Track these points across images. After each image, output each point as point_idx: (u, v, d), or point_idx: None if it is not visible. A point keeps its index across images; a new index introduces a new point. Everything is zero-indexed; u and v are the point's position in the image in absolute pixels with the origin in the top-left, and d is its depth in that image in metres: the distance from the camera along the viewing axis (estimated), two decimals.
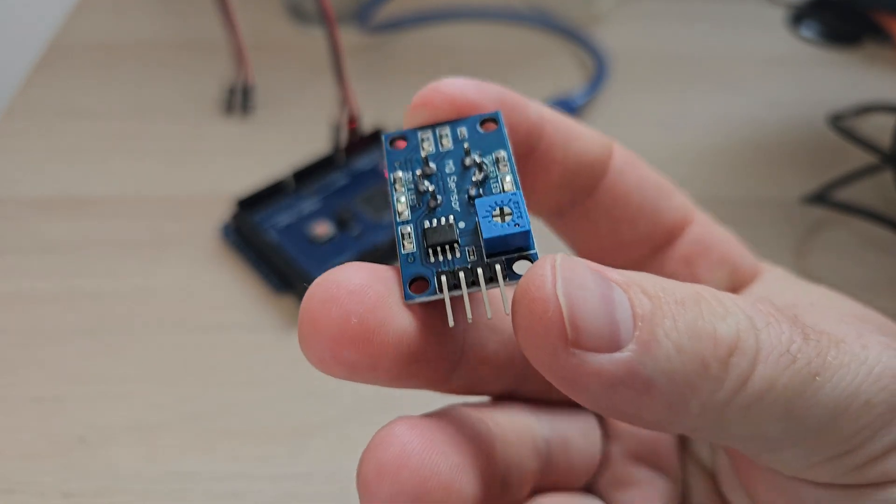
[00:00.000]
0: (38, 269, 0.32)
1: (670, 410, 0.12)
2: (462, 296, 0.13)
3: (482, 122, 0.16)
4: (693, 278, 0.18)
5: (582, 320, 0.11)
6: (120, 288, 0.32)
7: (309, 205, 0.34)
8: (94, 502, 0.25)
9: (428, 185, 0.15)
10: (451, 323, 0.13)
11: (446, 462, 0.13)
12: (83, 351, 0.29)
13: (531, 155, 0.16)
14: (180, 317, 0.31)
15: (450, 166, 0.15)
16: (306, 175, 0.35)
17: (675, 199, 0.18)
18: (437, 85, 0.16)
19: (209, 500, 0.25)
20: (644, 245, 0.18)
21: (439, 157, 0.15)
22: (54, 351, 0.29)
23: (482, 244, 0.14)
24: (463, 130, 0.16)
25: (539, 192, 0.17)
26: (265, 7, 0.48)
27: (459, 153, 0.15)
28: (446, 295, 0.13)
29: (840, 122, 0.38)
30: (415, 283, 0.14)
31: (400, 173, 0.15)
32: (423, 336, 0.13)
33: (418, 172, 0.15)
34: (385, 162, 0.16)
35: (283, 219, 0.33)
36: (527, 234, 0.13)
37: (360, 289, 0.13)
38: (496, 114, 0.16)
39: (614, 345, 0.12)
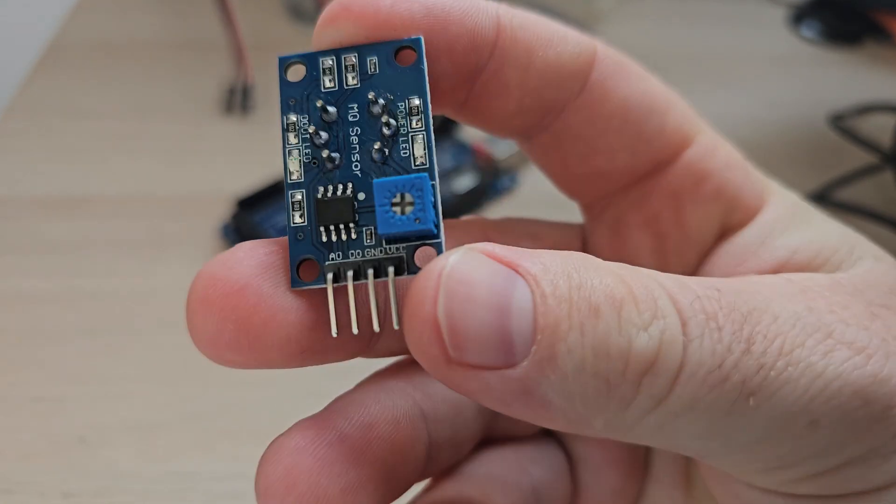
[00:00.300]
0: (38, 269, 0.32)
1: (571, 425, 0.11)
2: (363, 285, 0.12)
3: (398, 51, 0.13)
4: (678, 218, 0.15)
5: (465, 338, 0.10)
6: (120, 288, 0.32)
7: None
8: (94, 502, 0.25)
9: (325, 139, 0.12)
10: (333, 332, 0.12)
11: (338, 483, 0.12)
12: (83, 351, 0.29)
13: (480, 74, 0.13)
14: (180, 317, 0.30)
15: (353, 113, 0.12)
16: None
17: (671, 119, 0.15)
18: (348, 0, 0.13)
19: (209, 501, 0.25)
20: (624, 175, 0.15)
21: (342, 97, 0.13)
22: (54, 351, 0.29)
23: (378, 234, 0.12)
24: (374, 61, 0.13)
25: (495, 116, 0.14)
26: (265, 7, 0.48)
27: (366, 95, 0.12)
28: (331, 302, 0.12)
29: (840, 122, 0.38)
30: (303, 266, 0.12)
31: (293, 117, 0.13)
32: (321, 325, 0.12)
33: (311, 130, 0.12)
34: (279, 97, 0.13)
35: (283, 218, 0.33)
36: (429, 231, 0.12)
37: (237, 290, 0.12)
38: (415, 41, 0.12)
39: (507, 361, 0.10)
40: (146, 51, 0.45)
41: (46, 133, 0.40)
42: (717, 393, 0.11)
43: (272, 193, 0.34)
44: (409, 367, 0.15)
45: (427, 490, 0.16)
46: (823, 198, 0.35)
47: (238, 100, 0.41)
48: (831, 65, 0.45)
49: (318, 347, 0.12)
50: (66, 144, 0.39)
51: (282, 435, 0.13)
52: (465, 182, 0.35)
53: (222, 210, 0.34)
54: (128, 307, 0.31)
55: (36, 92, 0.42)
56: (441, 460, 0.15)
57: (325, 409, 0.14)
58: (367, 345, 0.14)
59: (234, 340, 0.12)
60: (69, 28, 0.47)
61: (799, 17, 0.49)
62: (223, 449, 0.26)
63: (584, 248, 0.17)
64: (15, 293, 0.31)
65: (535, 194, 0.37)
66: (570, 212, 0.18)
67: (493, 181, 0.36)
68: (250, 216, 0.33)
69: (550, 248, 0.17)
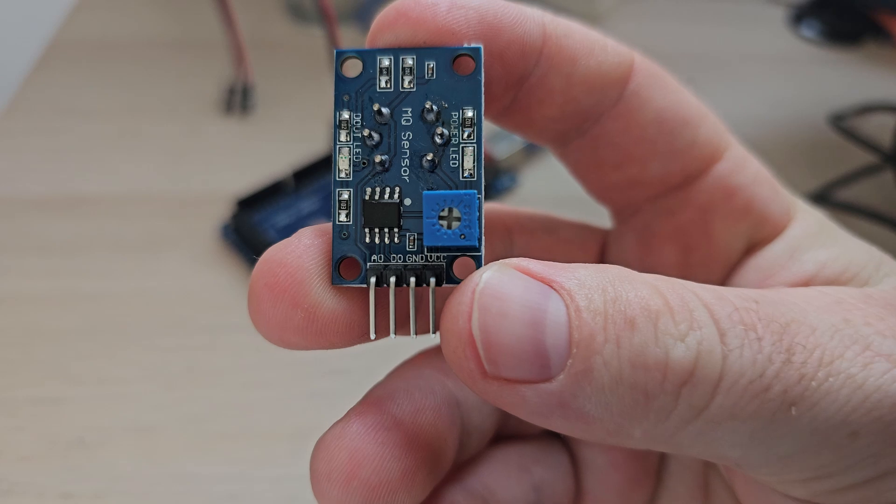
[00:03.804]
0: (37, 269, 0.32)
1: (611, 436, 0.11)
2: (402, 290, 0.12)
3: (456, 58, 0.12)
4: (707, 231, 0.16)
5: (500, 353, 0.11)
6: (119, 288, 0.32)
7: (308, 204, 0.34)
8: (93, 503, 0.25)
9: (377, 140, 0.12)
10: (371, 335, 0.12)
11: (398, 467, 0.13)
12: (83, 351, 0.29)
13: (526, 80, 0.14)
14: (179, 317, 0.31)
15: (407, 117, 0.12)
16: (306, 175, 0.35)
17: (703, 132, 0.15)
18: (405, 5, 0.12)
19: (209, 502, 0.25)
20: (655, 185, 0.16)
21: (397, 100, 0.12)
22: (54, 351, 0.29)
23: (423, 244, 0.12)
24: (431, 66, 0.12)
25: (537, 122, 0.15)
26: (265, 7, 0.48)
27: (421, 101, 0.12)
28: (371, 305, 0.12)
29: (841, 122, 0.38)
30: (344, 263, 0.12)
31: (346, 114, 0.12)
32: (378, 312, 0.13)
33: (365, 133, 0.12)
34: (333, 92, 0.13)
35: (283, 218, 0.33)
36: (472, 246, 0.12)
37: (307, 279, 0.12)
38: (475, 50, 0.12)
39: (543, 375, 0.11)
40: (146, 51, 0.45)
41: (46, 133, 0.40)
42: (759, 402, 0.11)
43: (272, 193, 0.34)
44: (438, 355, 0.16)
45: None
46: (823, 198, 0.35)
47: (238, 100, 0.41)
48: (831, 65, 0.45)
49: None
50: (66, 144, 0.39)
51: (340, 421, 0.13)
52: None
53: (222, 210, 0.34)
54: (127, 307, 0.31)
55: (36, 92, 0.42)
56: (470, 447, 0.16)
57: (371, 396, 0.14)
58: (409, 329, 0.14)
59: (303, 326, 0.12)
60: (69, 28, 0.47)
61: (799, 17, 0.49)
62: (223, 450, 0.26)
63: (605, 252, 0.17)
64: (15, 293, 0.31)
65: (535, 194, 0.37)
66: (569, 212, 0.18)
67: (494, 180, 0.36)
68: (250, 216, 0.33)
69: (567, 244, 0.17)
